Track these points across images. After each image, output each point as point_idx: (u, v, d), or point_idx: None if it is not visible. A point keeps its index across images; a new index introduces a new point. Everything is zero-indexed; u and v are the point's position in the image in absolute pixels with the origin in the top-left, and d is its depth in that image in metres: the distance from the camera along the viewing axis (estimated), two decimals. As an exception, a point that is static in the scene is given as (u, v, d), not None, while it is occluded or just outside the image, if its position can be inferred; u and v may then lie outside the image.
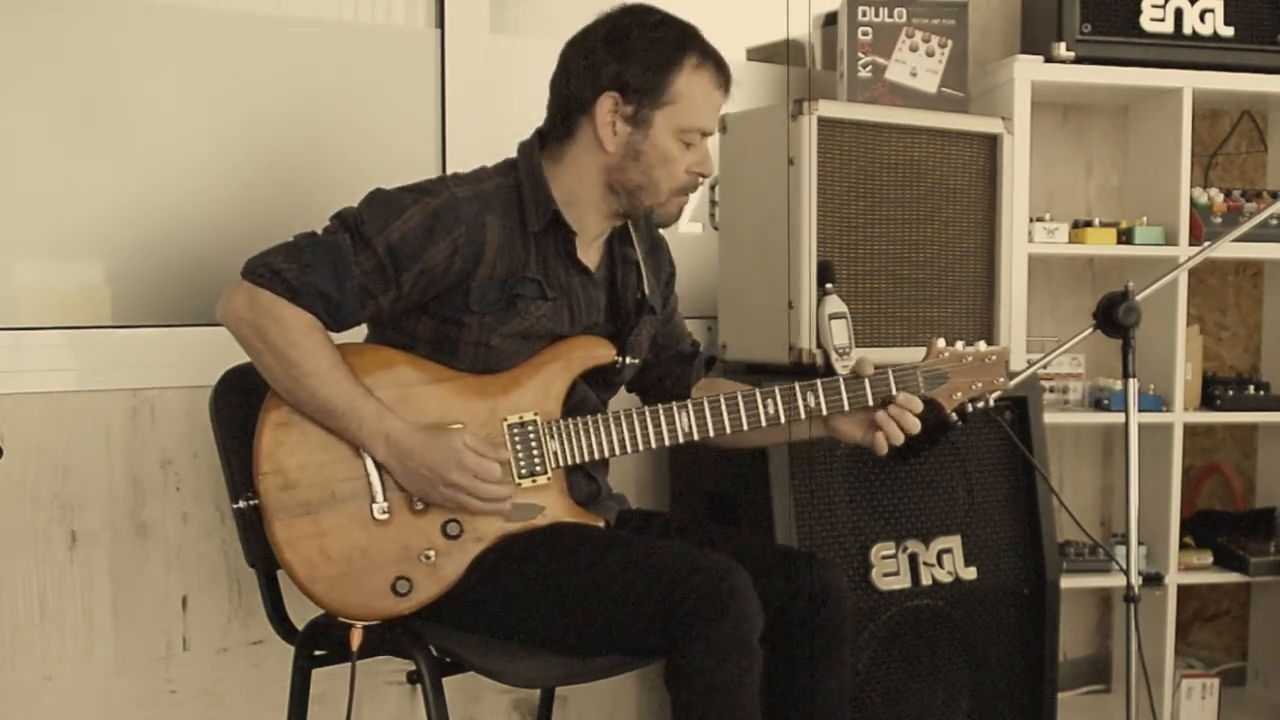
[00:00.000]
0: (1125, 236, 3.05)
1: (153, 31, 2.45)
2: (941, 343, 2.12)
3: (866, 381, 2.05)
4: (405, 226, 1.88)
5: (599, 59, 1.95)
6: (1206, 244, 2.72)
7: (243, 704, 2.48)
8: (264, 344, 1.85)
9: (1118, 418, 2.60)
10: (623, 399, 2.22)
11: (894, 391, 2.06)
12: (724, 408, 1.99)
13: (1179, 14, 2.97)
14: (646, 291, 2.12)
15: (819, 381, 2.04)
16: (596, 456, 1.97)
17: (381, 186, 1.94)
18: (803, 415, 2.02)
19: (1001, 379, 2.15)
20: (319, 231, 1.91)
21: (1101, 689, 3.38)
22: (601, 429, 1.97)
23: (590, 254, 2.06)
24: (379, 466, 1.89)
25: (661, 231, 2.25)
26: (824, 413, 2.04)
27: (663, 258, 2.23)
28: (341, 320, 1.90)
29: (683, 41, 1.96)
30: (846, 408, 2.04)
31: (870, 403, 2.05)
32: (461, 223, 1.90)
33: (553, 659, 1.90)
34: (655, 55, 1.94)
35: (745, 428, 2.00)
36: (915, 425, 2.05)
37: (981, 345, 2.15)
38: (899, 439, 2.05)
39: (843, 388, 2.04)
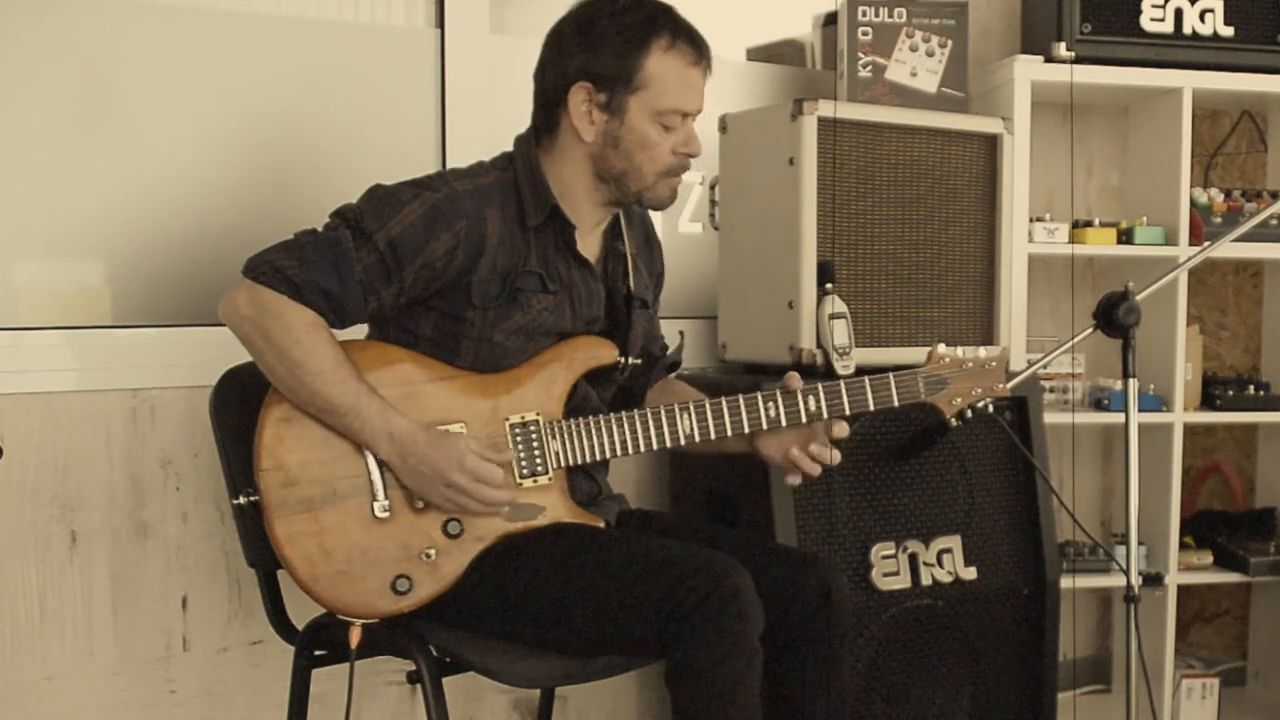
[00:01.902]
0: (1125, 236, 3.05)
1: (152, 32, 2.45)
2: (942, 348, 2.12)
3: (867, 383, 2.04)
4: (406, 221, 1.88)
5: (569, 49, 1.95)
6: (1206, 244, 2.72)
7: (243, 704, 2.48)
8: (266, 343, 1.85)
9: (1118, 418, 2.60)
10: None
11: (895, 399, 2.06)
12: (725, 409, 1.99)
13: (1179, 14, 2.97)
14: (632, 286, 2.12)
15: (820, 385, 2.03)
16: (598, 457, 1.97)
17: (382, 183, 1.94)
18: (804, 419, 2.01)
19: (1000, 384, 2.15)
20: (319, 229, 1.91)
21: (1101, 689, 3.38)
22: (603, 430, 1.97)
23: (589, 246, 2.06)
24: (380, 464, 1.89)
25: (659, 230, 2.25)
26: (825, 416, 2.03)
27: (655, 253, 2.22)
28: (344, 317, 1.89)
29: (651, 23, 1.94)
30: (848, 411, 2.04)
31: (871, 407, 2.04)
32: (462, 216, 1.90)
33: (553, 659, 1.89)
34: (622, 40, 1.93)
35: (746, 430, 1.99)
36: (834, 459, 2.02)
37: (981, 351, 2.15)
38: (815, 472, 2.02)
39: (844, 390, 2.03)
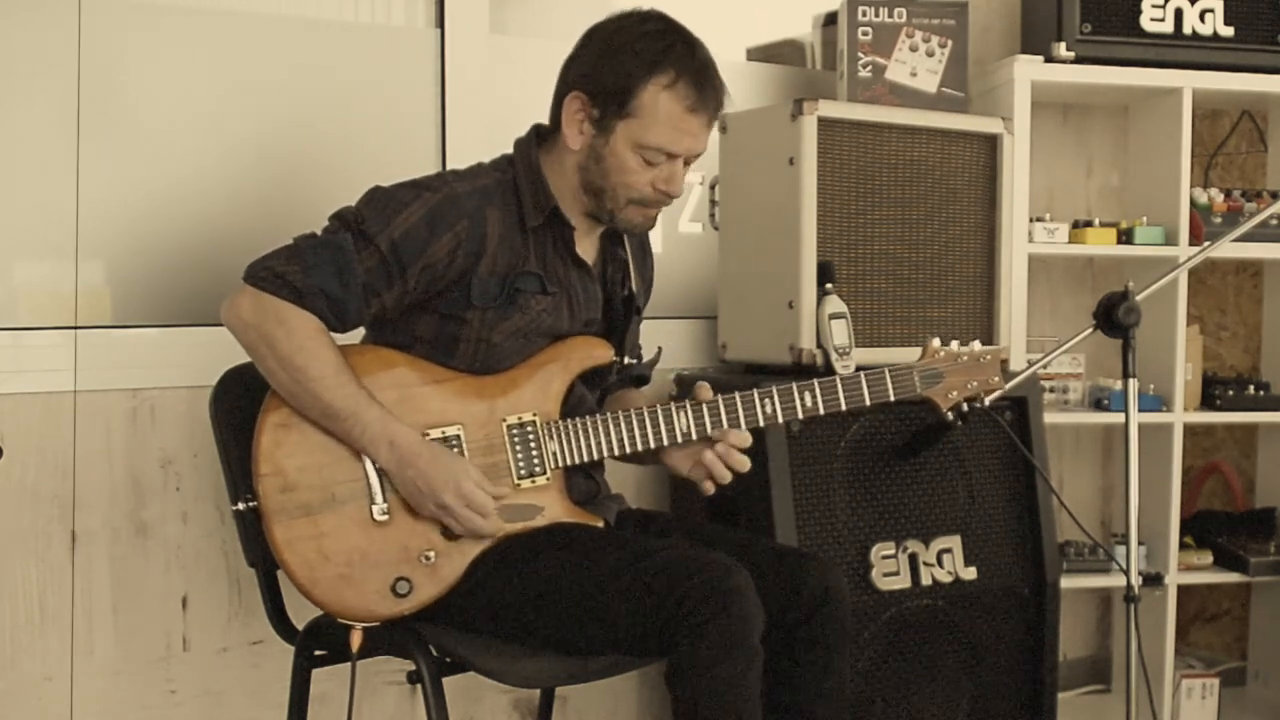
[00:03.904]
0: (1125, 236, 3.05)
1: (153, 32, 2.45)
2: (937, 342, 2.12)
3: (863, 378, 2.04)
4: (408, 222, 1.88)
5: (584, 54, 1.95)
6: (1206, 244, 2.72)
7: (243, 704, 2.48)
8: (269, 348, 1.85)
9: (1118, 418, 2.60)
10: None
11: (891, 393, 2.06)
12: (722, 408, 1.99)
13: (1179, 14, 2.97)
14: (634, 289, 2.12)
15: (816, 381, 2.03)
16: (595, 457, 1.97)
17: (380, 184, 1.94)
18: (800, 415, 2.01)
19: (997, 378, 2.14)
20: (318, 233, 1.91)
21: (1101, 689, 3.38)
22: (600, 430, 1.96)
23: (586, 248, 2.06)
24: (378, 468, 1.89)
25: (660, 230, 2.24)
26: (821, 413, 2.03)
27: (648, 262, 2.22)
28: (346, 320, 1.89)
29: (661, 56, 1.90)
30: (844, 407, 2.04)
31: (867, 402, 2.04)
32: (463, 216, 1.90)
33: (553, 659, 1.90)
34: (626, 64, 1.90)
35: (744, 428, 1.99)
36: (744, 464, 1.98)
37: (977, 345, 2.15)
38: (726, 479, 1.98)
39: (839, 386, 2.03)
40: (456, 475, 1.86)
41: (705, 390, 2.00)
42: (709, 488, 2.01)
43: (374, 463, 1.88)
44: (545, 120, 2.04)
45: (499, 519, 1.91)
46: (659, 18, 1.96)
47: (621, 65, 1.91)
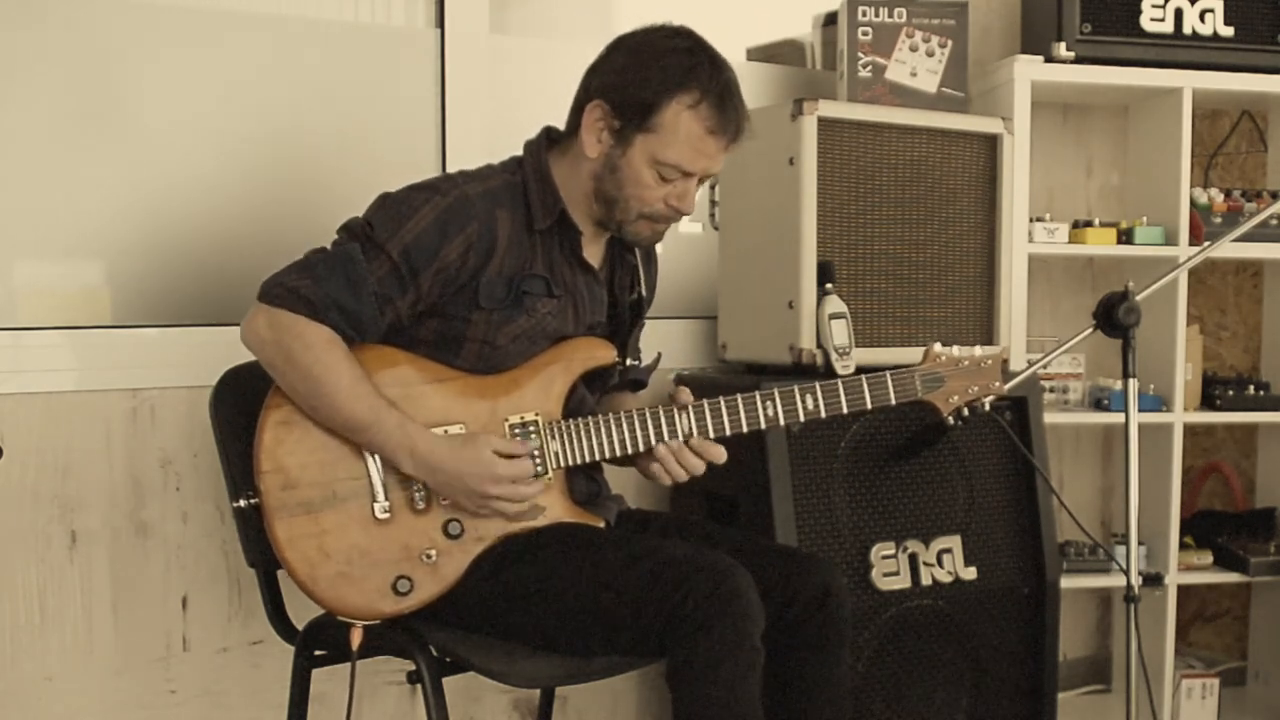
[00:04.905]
0: (1125, 236, 3.05)
1: (153, 32, 2.45)
2: (939, 346, 2.12)
3: (864, 382, 2.04)
4: (419, 227, 1.87)
5: (610, 63, 1.94)
6: (1206, 244, 2.72)
7: (243, 704, 2.48)
8: (289, 364, 1.85)
9: (1118, 418, 2.60)
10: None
11: (892, 397, 2.06)
12: (724, 409, 1.99)
13: (1179, 14, 2.97)
14: (644, 292, 2.12)
15: (818, 384, 2.03)
16: (597, 458, 1.97)
17: (388, 190, 1.93)
18: (802, 417, 2.01)
19: (997, 383, 2.14)
20: (328, 246, 1.90)
21: (1101, 689, 3.38)
22: (603, 430, 1.96)
23: (593, 252, 2.06)
24: (382, 466, 1.89)
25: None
26: (822, 415, 2.03)
27: (652, 267, 2.22)
28: (362, 330, 1.88)
29: (687, 75, 1.89)
30: (845, 410, 2.04)
31: (868, 406, 2.04)
32: (474, 219, 1.89)
33: (553, 659, 1.90)
34: (651, 78, 1.89)
35: (745, 430, 1.99)
36: (698, 467, 1.97)
37: (978, 350, 2.15)
38: (679, 475, 1.97)
39: (841, 389, 2.03)
40: (487, 463, 1.86)
41: (685, 394, 2.00)
42: (663, 477, 1.99)
43: (401, 470, 1.88)
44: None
45: (540, 483, 1.92)
46: (687, 34, 1.95)
47: (647, 79, 1.90)
